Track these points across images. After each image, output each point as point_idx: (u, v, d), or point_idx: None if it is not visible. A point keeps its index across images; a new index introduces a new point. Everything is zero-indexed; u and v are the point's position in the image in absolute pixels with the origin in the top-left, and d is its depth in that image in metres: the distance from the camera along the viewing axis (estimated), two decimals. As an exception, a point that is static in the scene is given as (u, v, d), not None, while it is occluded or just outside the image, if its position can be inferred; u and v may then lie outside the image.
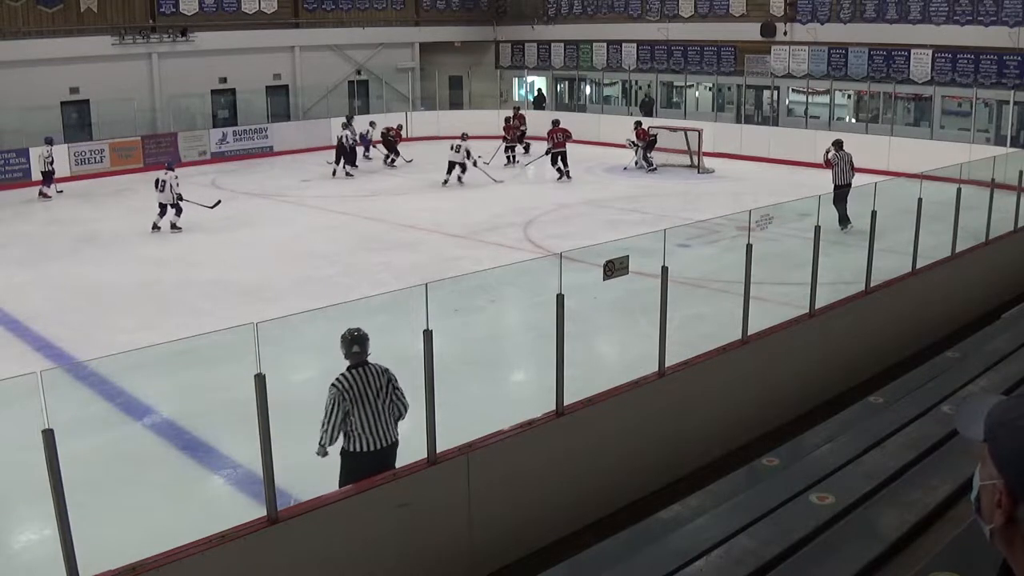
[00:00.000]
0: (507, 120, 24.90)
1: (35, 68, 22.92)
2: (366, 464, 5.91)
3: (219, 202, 17.42)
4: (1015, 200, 12.19)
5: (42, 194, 20.11)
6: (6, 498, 6.84)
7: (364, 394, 5.89)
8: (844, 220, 14.91)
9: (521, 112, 26.21)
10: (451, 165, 20.62)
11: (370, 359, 6.02)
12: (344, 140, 22.44)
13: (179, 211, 16.38)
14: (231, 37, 26.51)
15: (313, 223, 17.27)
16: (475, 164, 20.69)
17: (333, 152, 22.90)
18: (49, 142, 20.47)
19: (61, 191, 20.42)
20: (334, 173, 22.31)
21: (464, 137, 21.00)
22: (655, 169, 22.52)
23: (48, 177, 20.10)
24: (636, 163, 22.80)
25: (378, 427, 5.93)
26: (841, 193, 15.20)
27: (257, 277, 13.28)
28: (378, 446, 5.94)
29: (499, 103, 30.14)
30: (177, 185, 16.31)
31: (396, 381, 6.03)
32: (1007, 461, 1.28)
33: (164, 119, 25.19)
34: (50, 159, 20.05)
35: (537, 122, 25.56)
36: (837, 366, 8.90)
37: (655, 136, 22.68)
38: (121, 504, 6.59)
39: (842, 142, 16.39)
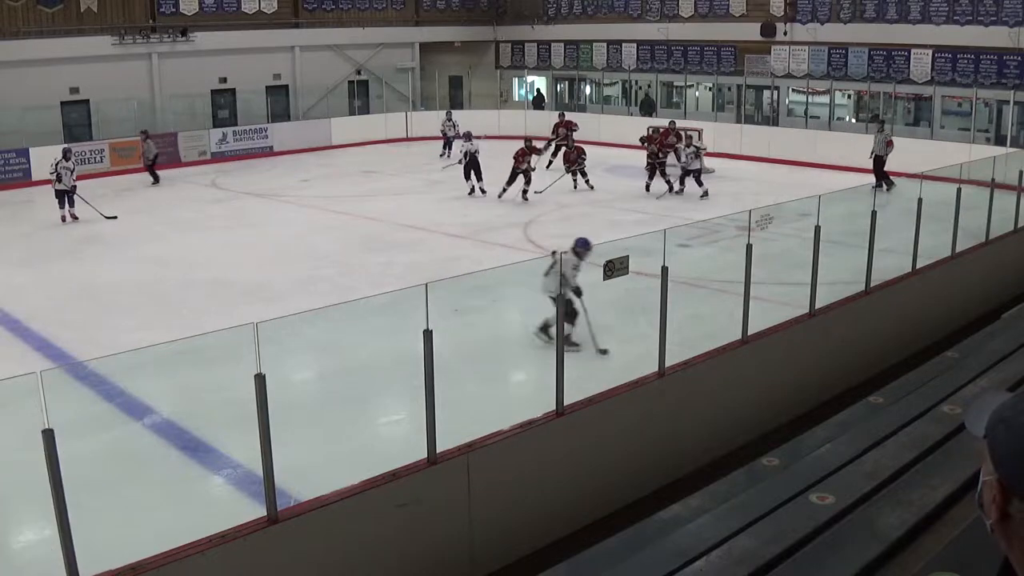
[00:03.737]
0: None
1: (35, 68, 22.90)
2: None
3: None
4: (1015, 200, 12.20)
5: (72, 216, 17.06)
6: (6, 498, 6.84)
7: None
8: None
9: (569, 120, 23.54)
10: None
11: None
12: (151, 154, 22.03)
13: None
14: (231, 37, 26.50)
15: (313, 223, 17.26)
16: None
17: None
18: (66, 155, 17.64)
19: (77, 217, 17.19)
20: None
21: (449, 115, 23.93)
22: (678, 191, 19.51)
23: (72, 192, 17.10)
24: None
25: None
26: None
27: (257, 277, 13.27)
28: None
29: (499, 103, 30.15)
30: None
31: None
32: (1002, 457, 1.31)
33: (164, 119, 25.19)
34: (67, 170, 17.11)
35: (538, 122, 25.58)
36: (837, 366, 8.91)
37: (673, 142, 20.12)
38: (121, 504, 6.58)
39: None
